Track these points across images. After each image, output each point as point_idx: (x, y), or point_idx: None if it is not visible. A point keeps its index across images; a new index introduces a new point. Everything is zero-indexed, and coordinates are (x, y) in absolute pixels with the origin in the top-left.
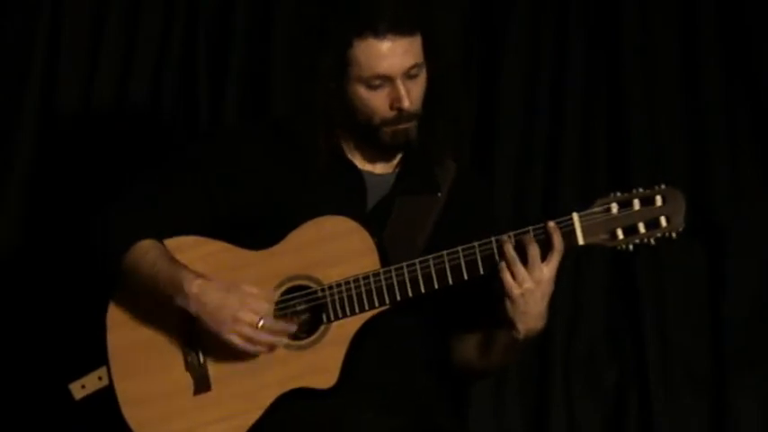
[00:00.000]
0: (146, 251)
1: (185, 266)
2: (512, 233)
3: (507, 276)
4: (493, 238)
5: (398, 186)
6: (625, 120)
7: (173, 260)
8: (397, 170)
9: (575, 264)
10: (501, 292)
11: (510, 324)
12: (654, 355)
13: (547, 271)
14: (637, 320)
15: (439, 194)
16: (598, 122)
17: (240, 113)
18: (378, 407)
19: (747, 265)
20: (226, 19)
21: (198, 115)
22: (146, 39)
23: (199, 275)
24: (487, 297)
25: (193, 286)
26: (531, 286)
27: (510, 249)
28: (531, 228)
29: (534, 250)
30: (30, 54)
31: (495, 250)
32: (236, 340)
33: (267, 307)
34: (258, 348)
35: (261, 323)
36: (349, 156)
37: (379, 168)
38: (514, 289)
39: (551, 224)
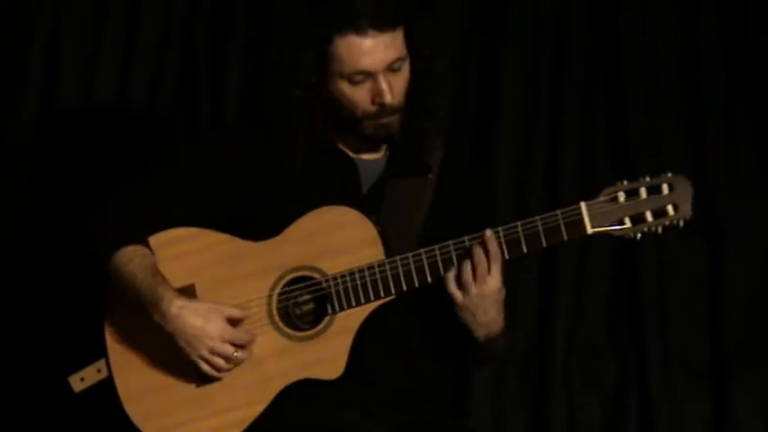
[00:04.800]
0: (129, 259)
1: (166, 283)
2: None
3: (453, 288)
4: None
5: (389, 171)
6: (625, 118)
7: (155, 275)
8: (386, 155)
9: (576, 260)
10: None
11: (467, 329)
12: (654, 352)
13: (492, 282)
14: (637, 316)
15: (429, 176)
16: (598, 121)
17: (240, 111)
18: (380, 403)
19: (747, 261)
20: (226, 16)
21: (198, 113)
22: (146, 37)
23: (179, 295)
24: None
25: (173, 307)
26: (476, 300)
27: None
28: (538, 217)
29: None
30: (29, 52)
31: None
32: (205, 367)
33: (247, 337)
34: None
35: (236, 355)
36: (340, 145)
37: (369, 155)
38: (459, 300)
39: (488, 233)
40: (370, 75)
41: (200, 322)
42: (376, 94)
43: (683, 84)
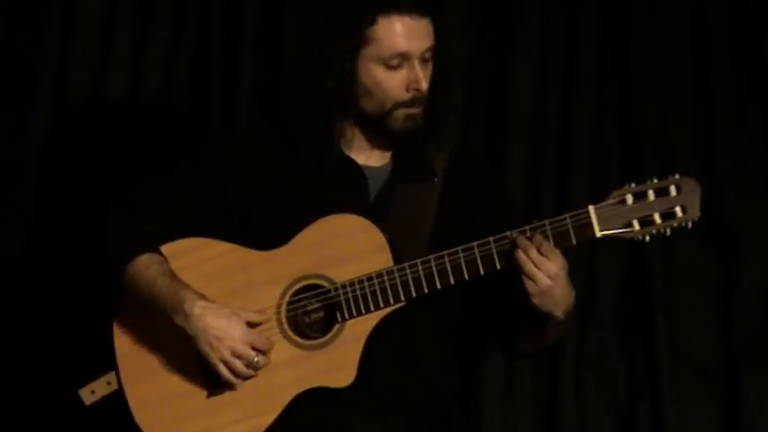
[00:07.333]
0: (146, 266)
1: (187, 286)
2: (526, 228)
3: (533, 272)
4: (509, 233)
5: (396, 176)
6: (636, 122)
7: (174, 278)
8: (392, 160)
9: (587, 263)
10: (527, 291)
11: (548, 313)
12: (665, 355)
13: (560, 258)
14: (648, 320)
15: (436, 180)
16: (609, 127)
17: (252, 109)
18: (391, 411)
19: (758, 265)
20: (237, 16)
21: (210, 114)
22: (158, 36)
23: (201, 296)
24: (518, 293)
25: (196, 307)
26: (550, 282)
27: (532, 248)
28: (546, 221)
29: (547, 243)
30: (42, 50)
31: (514, 245)
32: (224, 371)
33: (268, 343)
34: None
35: (257, 359)
36: (346, 152)
37: (375, 161)
38: (542, 284)
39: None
40: (406, 59)
41: (223, 323)
42: (411, 81)
43: (694, 86)
